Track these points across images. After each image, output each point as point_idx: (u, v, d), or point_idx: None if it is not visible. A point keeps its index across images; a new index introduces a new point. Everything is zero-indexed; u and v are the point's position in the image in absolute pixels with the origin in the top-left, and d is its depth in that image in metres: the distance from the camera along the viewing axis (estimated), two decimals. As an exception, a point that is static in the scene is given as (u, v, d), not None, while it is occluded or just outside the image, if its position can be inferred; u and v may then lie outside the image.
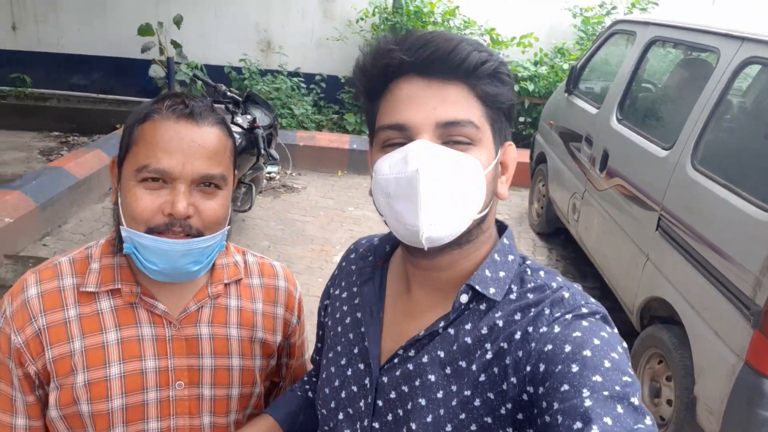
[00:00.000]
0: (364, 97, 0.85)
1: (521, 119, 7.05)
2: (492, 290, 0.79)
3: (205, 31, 7.37)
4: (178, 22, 6.72)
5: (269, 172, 5.92)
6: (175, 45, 6.75)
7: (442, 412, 0.78)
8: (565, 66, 6.67)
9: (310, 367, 1.31)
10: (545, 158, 5.04)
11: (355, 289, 0.96)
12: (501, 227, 0.89)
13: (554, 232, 5.02)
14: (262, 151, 4.06)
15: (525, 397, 0.73)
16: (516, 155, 0.84)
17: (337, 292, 1.01)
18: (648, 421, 0.63)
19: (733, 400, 2.20)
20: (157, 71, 6.65)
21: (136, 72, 7.19)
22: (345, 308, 0.97)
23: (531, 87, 6.66)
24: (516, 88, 6.67)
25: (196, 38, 7.24)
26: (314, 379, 1.13)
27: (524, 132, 7.06)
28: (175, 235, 0.93)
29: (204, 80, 4.67)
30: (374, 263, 0.94)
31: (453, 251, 0.81)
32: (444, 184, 0.74)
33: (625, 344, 0.73)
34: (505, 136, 0.82)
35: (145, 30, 6.61)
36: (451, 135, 0.76)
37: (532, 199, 5.39)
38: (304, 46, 7.52)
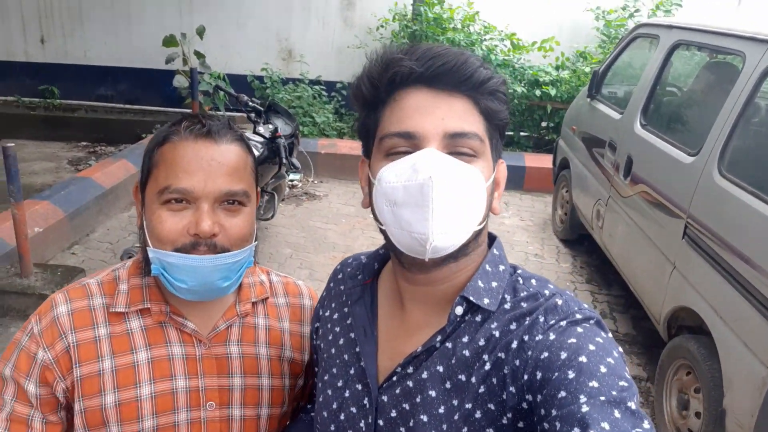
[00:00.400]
0: (365, 105, 0.85)
1: (543, 124, 7.00)
2: (486, 301, 0.80)
3: (227, 42, 7.47)
4: (201, 32, 6.83)
5: (291, 180, 5.97)
6: (199, 55, 6.86)
7: (444, 427, 0.78)
8: (587, 70, 6.60)
9: None
10: (568, 164, 4.99)
11: (346, 310, 0.96)
12: (490, 238, 0.89)
13: (578, 238, 4.97)
14: (284, 161, 4.09)
15: (524, 405, 0.73)
16: (506, 173, 0.86)
17: (327, 314, 1.00)
18: (646, 425, 0.64)
19: (763, 414, 2.14)
20: (180, 81, 6.76)
21: (161, 82, 7.32)
22: (337, 329, 0.96)
23: (553, 92, 6.61)
24: (538, 92, 6.63)
25: (218, 48, 7.34)
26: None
27: (546, 137, 7.01)
28: (201, 254, 0.94)
29: (226, 90, 4.73)
30: (363, 282, 0.94)
31: (449, 264, 0.82)
32: (454, 193, 0.75)
33: (620, 349, 0.74)
34: (499, 153, 0.83)
35: (169, 41, 6.73)
36: (457, 146, 0.77)
37: (556, 205, 5.34)
38: (324, 55, 7.58)
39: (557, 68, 6.96)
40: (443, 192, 0.74)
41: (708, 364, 2.57)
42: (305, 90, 7.10)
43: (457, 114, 0.77)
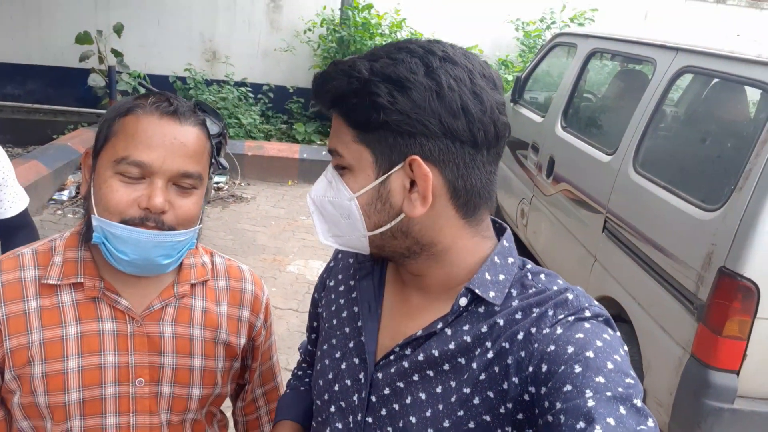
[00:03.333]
0: None
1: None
2: (491, 294, 0.79)
3: (147, 40, 7.18)
4: (118, 30, 6.53)
5: (217, 182, 5.81)
6: (116, 54, 6.56)
7: (440, 407, 0.79)
8: (510, 77, 6.87)
9: (278, 370, 1.30)
10: (493, 166, 5.15)
11: (352, 283, 0.96)
12: (500, 229, 0.88)
13: (503, 238, 5.13)
14: (212, 160, 3.98)
15: (526, 397, 0.73)
16: (425, 171, 0.75)
17: (332, 284, 1.00)
18: (651, 423, 0.64)
19: (681, 392, 2.30)
20: (96, 80, 6.44)
21: (74, 81, 6.94)
22: (342, 301, 0.96)
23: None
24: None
25: (138, 47, 7.04)
26: (309, 371, 1.15)
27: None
28: (147, 229, 0.94)
29: (149, 89, 4.56)
30: (374, 258, 0.93)
31: (408, 261, 0.83)
32: (321, 207, 0.85)
33: (626, 348, 0.74)
34: (405, 152, 0.76)
35: (83, 38, 6.40)
36: (335, 162, 0.82)
37: (481, 206, 5.49)
38: (251, 56, 7.45)
39: (481, 75, 7.19)
40: (314, 205, 0.86)
41: (628, 349, 2.72)
42: (231, 91, 6.94)
43: (333, 131, 0.82)
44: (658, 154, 3.00)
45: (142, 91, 6.23)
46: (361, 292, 0.92)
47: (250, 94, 7.13)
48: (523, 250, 4.58)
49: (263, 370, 1.24)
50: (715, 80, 2.92)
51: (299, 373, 1.16)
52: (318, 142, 6.92)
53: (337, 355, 0.92)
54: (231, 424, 1.29)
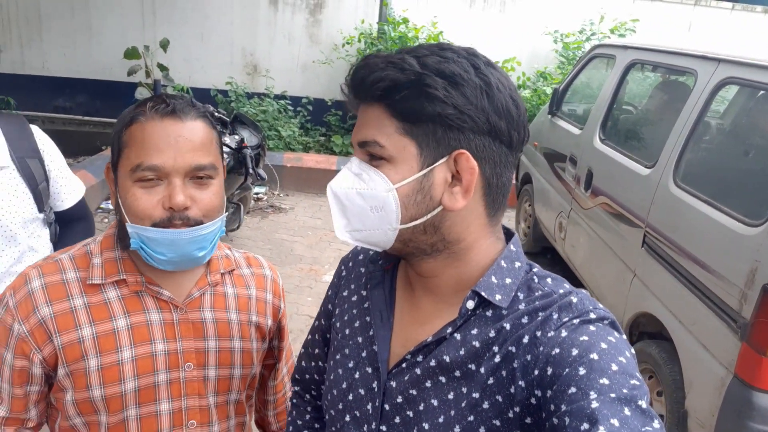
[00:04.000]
0: None
1: (505, 141, 7.14)
2: (498, 297, 0.80)
3: (191, 55, 7.41)
4: (164, 45, 6.77)
5: (257, 193, 5.93)
6: (162, 68, 6.78)
7: (452, 413, 0.79)
8: (548, 90, 6.81)
9: (292, 349, 1.36)
10: (530, 178, 5.11)
11: (364, 293, 0.97)
12: (508, 234, 0.90)
13: (541, 251, 5.07)
14: (251, 171, 4.07)
15: (533, 400, 0.73)
16: (472, 164, 0.78)
17: (345, 294, 1.02)
18: (656, 424, 0.64)
19: (723, 413, 2.22)
20: (143, 93, 6.66)
21: (122, 95, 7.19)
22: (354, 311, 0.97)
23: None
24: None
25: (182, 62, 7.27)
26: (309, 399, 1.14)
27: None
28: (177, 228, 0.99)
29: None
30: (384, 267, 0.95)
31: (425, 260, 0.84)
32: (348, 198, 0.83)
33: (632, 350, 0.74)
34: (451, 145, 0.78)
35: (131, 53, 6.64)
36: (369, 152, 0.81)
37: (519, 218, 5.45)
38: (290, 70, 7.59)
39: (519, 87, 7.16)
40: (336, 199, 0.84)
41: (669, 368, 2.65)
42: (271, 104, 7.08)
43: (367, 123, 0.81)
44: (699, 167, 2.93)
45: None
46: (373, 301, 0.93)
47: (290, 107, 7.26)
48: (561, 264, 4.51)
49: (287, 348, 1.35)
50: (760, 92, 2.84)
51: (298, 421, 1.13)
52: (355, 154, 6.98)
53: (351, 365, 0.92)
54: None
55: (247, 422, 1.25)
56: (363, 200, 0.82)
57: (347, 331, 0.96)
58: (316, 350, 1.10)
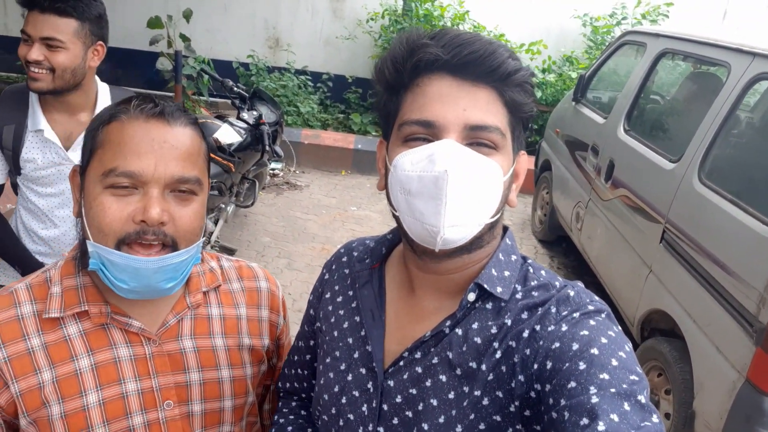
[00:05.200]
0: (387, 88, 0.82)
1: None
2: (499, 289, 0.80)
3: (213, 26, 7.37)
4: (187, 16, 6.72)
5: (273, 169, 5.92)
6: (184, 39, 6.75)
7: (453, 412, 0.78)
8: (573, 75, 6.66)
9: None
10: (550, 166, 5.03)
11: (351, 293, 0.94)
12: (502, 228, 0.90)
13: (556, 239, 5.01)
14: (267, 148, 4.05)
15: (532, 394, 0.73)
16: (527, 164, 0.85)
17: (328, 296, 0.99)
18: (655, 418, 0.64)
19: (732, 417, 2.18)
20: (164, 64, 6.65)
21: (144, 64, 7.19)
22: (341, 312, 0.94)
23: (538, 94, 6.66)
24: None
25: (204, 33, 7.23)
26: (290, 412, 1.08)
27: (530, 139, 7.05)
28: (147, 248, 0.86)
29: (211, 75, 4.66)
30: (372, 266, 0.93)
31: (462, 255, 0.81)
32: (468, 187, 0.74)
33: (630, 344, 0.74)
34: (521, 144, 0.82)
35: (154, 23, 6.61)
36: (477, 138, 0.75)
37: (536, 206, 5.38)
38: (312, 45, 7.52)
39: (543, 71, 7.01)
40: (457, 186, 0.73)
41: (679, 367, 2.61)
42: (291, 79, 7.03)
43: (479, 105, 0.75)
44: (726, 164, 2.84)
45: (206, 76, 6.39)
46: (362, 300, 0.91)
47: (310, 83, 7.20)
48: (576, 254, 4.45)
49: None
50: (795, 88, 2.73)
51: (281, 420, 1.05)
52: (373, 133, 6.93)
53: (342, 367, 0.90)
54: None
55: None
56: (475, 192, 0.74)
57: (336, 333, 0.94)
58: (295, 357, 1.07)
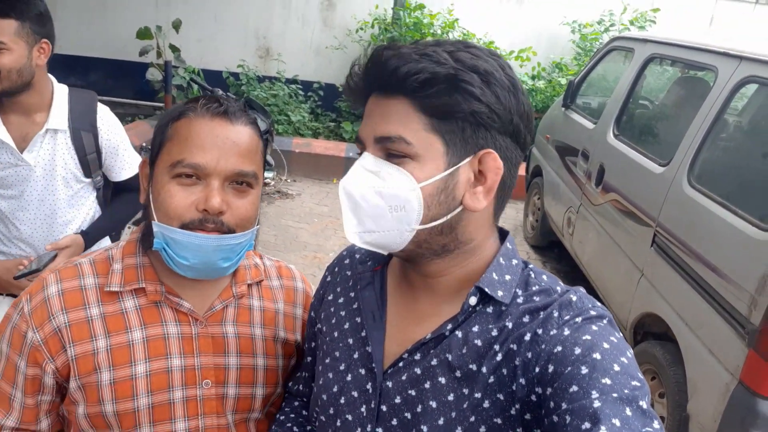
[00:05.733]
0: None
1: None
2: (500, 293, 0.80)
3: (204, 36, 7.37)
4: (177, 26, 6.72)
5: (264, 178, 5.90)
6: (174, 49, 6.75)
7: (453, 414, 0.78)
8: (563, 81, 6.71)
9: None
10: (541, 171, 5.05)
11: (353, 294, 0.95)
12: (502, 233, 0.89)
13: (548, 245, 5.02)
14: (265, 158, 4.04)
15: (533, 397, 0.73)
16: (498, 164, 0.77)
17: (330, 298, 1.00)
18: (656, 425, 0.64)
19: (726, 419, 2.18)
20: (154, 74, 6.64)
21: (133, 74, 7.18)
22: (342, 313, 0.95)
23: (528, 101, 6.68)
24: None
25: (194, 43, 7.24)
26: (296, 405, 1.11)
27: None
28: (207, 232, 0.95)
29: (201, 85, 4.65)
30: (373, 268, 0.94)
31: (434, 261, 0.82)
32: (363, 198, 0.78)
33: (631, 350, 0.74)
34: (479, 144, 0.77)
35: (143, 33, 6.61)
36: (388, 149, 0.78)
37: (527, 211, 5.39)
38: (302, 54, 7.53)
39: (533, 78, 7.05)
40: (349, 197, 0.79)
41: (673, 370, 2.61)
42: (281, 88, 7.04)
43: (389, 118, 0.77)
44: (715, 167, 2.86)
45: (195, 86, 6.38)
46: (364, 302, 0.91)
47: (301, 92, 7.21)
48: (568, 259, 4.46)
49: None
50: (781, 91, 2.75)
51: (281, 417, 1.08)
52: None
53: (342, 368, 0.91)
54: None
55: None
56: (382, 200, 0.78)
57: (336, 334, 0.94)
58: (308, 358, 1.09)
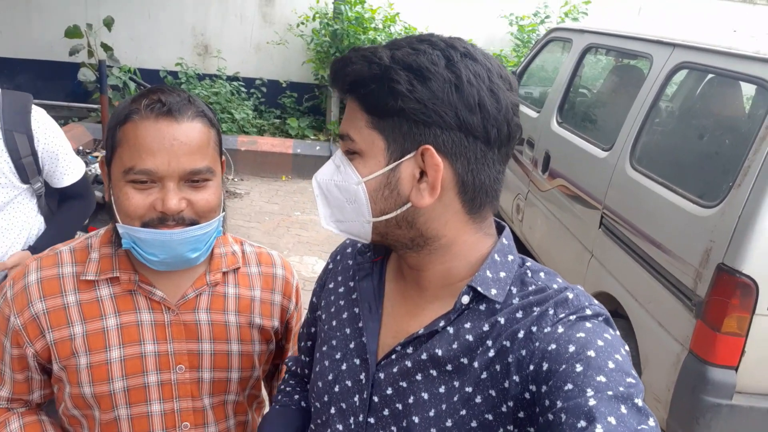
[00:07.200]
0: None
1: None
2: (494, 291, 0.79)
3: (138, 34, 7.11)
4: (108, 24, 6.46)
5: (210, 179, 5.77)
6: (106, 48, 6.49)
7: (443, 407, 0.78)
8: (503, 72, 6.85)
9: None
10: (488, 161, 5.14)
11: (352, 284, 0.96)
12: (499, 227, 0.89)
13: (498, 233, 5.13)
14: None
15: (527, 395, 0.73)
16: (436, 161, 0.76)
17: (331, 286, 1.00)
18: (651, 422, 0.64)
19: (679, 388, 2.30)
20: (86, 75, 6.37)
21: (64, 75, 6.86)
22: (341, 302, 0.96)
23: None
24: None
25: (128, 41, 6.97)
26: (299, 387, 1.13)
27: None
28: (170, 228, 0.97)
29: (140, 83, 4.50)
30: (373, 259, 0.94)
31: (409, 254, 0.84)
32: (327, 191, 0.84)
33: (627, 347, 0.74)
34: (418, 141, 0.76)
35: (72, 32, 6.32)
36: (345, 146, 0.81)
37: (476, 201, 5.49)
38: (242, 50, 7.39)
39: (474, 70, 7.17)
40: (320, 189, 0.85)
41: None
42: (223, 86, 6.89)
43: (346, 116, 0.81)
44: (655, 150, 3.00)
45: (132, 86, 6.16)
46: (361, 293, 0.92)
47: (243, 89, 7.08)
48: (519, 245, 4.58)
49: (292, 350, 1.29)
50: (712, 76, 2.92)
51: (287, 389, 1.13)
52: (311, 137, 6.88)
53: (338, 356, 0.91)
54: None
55: (250, 421, 1.22)
56: (340, 192, 0.82)
57: (334, 323, 0.95)
58: (301, 343, 1.11)
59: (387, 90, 0.74)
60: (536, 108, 4.33)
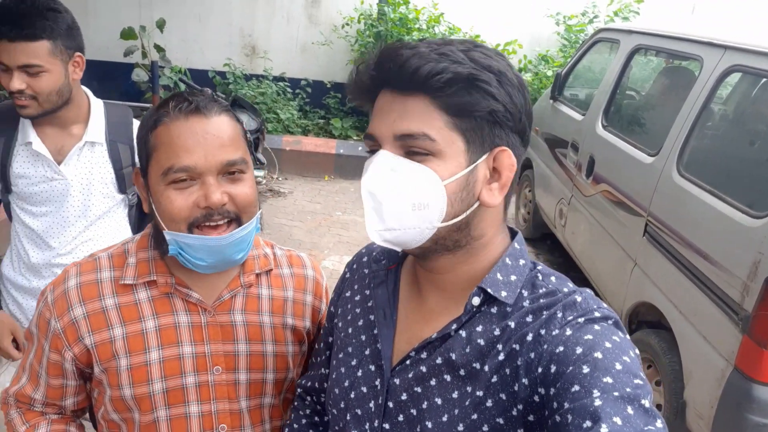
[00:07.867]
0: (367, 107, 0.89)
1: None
2: (504, 293, 0.81)
3: (188, 36, 7.31)
4: (161, 26, 6.66)
5: (256, 177, 5.88)
6: (159, 49, 6.69)
7: (456, 411, 0.79)
8: (549, 73, 6.74)
9: None
10: (531, 164, 5.08)
11: (368, 292, 0.97)
12: (512, 232, 0.90)
13: (541, 237, 5.06)
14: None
15: (536, 398, 0.74)
16: (513, 161, 0.80)
17: (348, 294, 1.02)
18: (659, 423, 0.64)
19: (722, 405, 2.22)
20: (140, 75, 6.58)
21: (119, 76, 7.10)
22: (357, 310, 0.98)
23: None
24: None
25: (179, 42, 7.17)
26: (313, 398, 1.14)
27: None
28: (215, 229, 0.99)
29: (189, 84, 4.64)
30: (388, 267, 0.95)
31: (444, 256, 0.83)
32: (386, 196, 0.78)
33: (637, 350, 0.74)
34: (494, 142, 0.79)
35: (127, 34, 6.54)
36: (409, 146, 0.78)
37: (519, 204, 5.42)
38: (289, 51, 7.50)
39: (520, 71, 7.02)
40: (372, 197, 0.79)
41: (668, 358, 2.65)
42: (269, 86, 7.01)
43: (409, 115, 0.77)
44: (703, 156, 2.90)
45: (182, 86, 6.34)
46: (376, 300, 0.93)
47: (288, 89, 7.18)
48: (561, 251, 4.50)
49: None
50: (766, 80, 2.80)
51: (300, 406, 1.13)
52: (354, 138, 6.93)
53: (353, 363, 0.93)
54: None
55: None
56: (404, 198, 0.77)
57: (350, 330, 0.97)
58: (319, 358, 1.11)
59: (478, 91, 0.76)
60: (581, 110, 4.24)
